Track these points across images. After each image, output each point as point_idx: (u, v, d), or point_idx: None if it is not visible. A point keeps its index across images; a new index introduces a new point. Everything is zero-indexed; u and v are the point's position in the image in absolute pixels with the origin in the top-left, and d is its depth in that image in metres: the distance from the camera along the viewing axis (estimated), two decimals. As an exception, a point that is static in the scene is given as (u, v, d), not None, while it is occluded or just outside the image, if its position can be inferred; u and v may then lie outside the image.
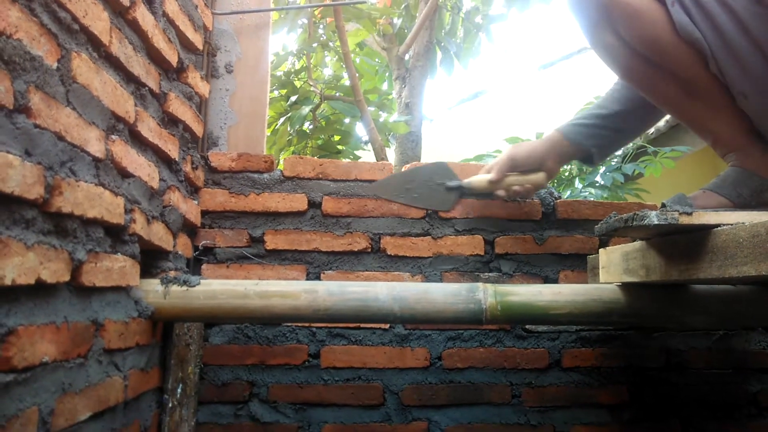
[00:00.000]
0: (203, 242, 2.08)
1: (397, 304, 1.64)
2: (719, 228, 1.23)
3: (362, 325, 2.10)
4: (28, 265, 1.01)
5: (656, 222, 1.25)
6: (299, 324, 2.09)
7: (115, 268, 1.37)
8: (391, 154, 4.97)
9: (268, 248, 2.11)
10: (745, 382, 2.09)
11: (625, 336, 2.10)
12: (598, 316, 1.62)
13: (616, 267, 1.67)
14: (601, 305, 1.62)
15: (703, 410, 2.07)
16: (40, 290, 1.07)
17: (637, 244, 1.57)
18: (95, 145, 1.27)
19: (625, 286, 1.65)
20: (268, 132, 3.41)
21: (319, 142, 4.52)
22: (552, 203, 2.20)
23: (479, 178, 2.03)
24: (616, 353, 2.09)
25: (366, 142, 4.63)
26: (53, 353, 1.10)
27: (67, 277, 1.15)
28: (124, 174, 1.44)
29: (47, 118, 1.08)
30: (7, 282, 0.94)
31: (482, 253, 2.14)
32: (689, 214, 1.25)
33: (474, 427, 2.07)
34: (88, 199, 1.23)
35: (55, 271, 1.10)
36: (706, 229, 1.26)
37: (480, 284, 1.67)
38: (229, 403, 2.05)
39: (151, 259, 1.71)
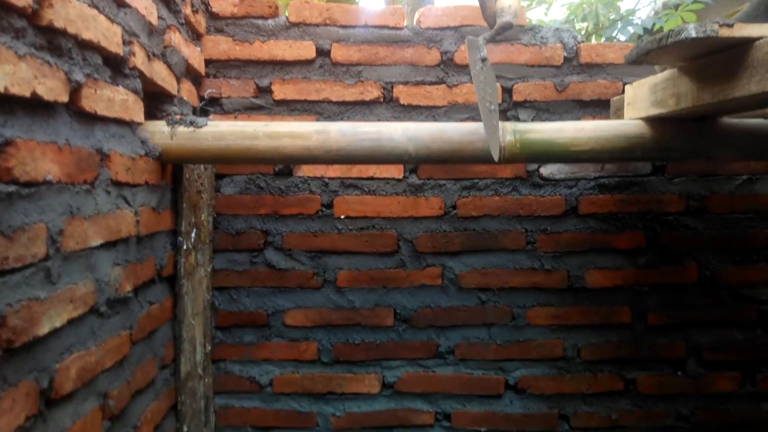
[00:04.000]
0: (209, 91, 2.00)
1: (412, 144, 1.58)
2: (762, 40, 1.13)
3: (375, 176, 2.06)
4: (21, 75, 0.95)
5: (694, 35, 1.15)
6: (311, 175, 2.06)
7: (116, 99, 1.31)
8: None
9: (276, 98, 2.03)
10: (767, 226, 2.05)
11: (645, 182, 2.05)
12: (622, 152, 1.56)
13: (642, 101, 1.59)
14: (624, 141, 1.55)
15: (721, 254, 2.06)
16: (38, 107, 1.02)
17: (667, 73, 1.47)
18: (84, -40, 1.17)
19: (651, 121, 1.57)
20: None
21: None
22: (575, 47, 2.08)
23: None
24: (634, 199, 2.05)
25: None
26: (57, 173, 1.06)
27: (65, 98, 1.09)
28: (119, 2, 1.35)
29: None
30: (0, 89, 0.89)
31: (500, 101, 2.05)
32: (730, 26, 1.15)
33: (488, 273, 2.08)
34: (82, 18, 1.15)
35: (51, 88, 1.04)
36: (747, 43, 1.16)
37: (498, 122, 1.60)
38: (245, 251, 2.06)
39: (155, 102, 1.65)
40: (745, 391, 2.09)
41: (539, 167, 2.05)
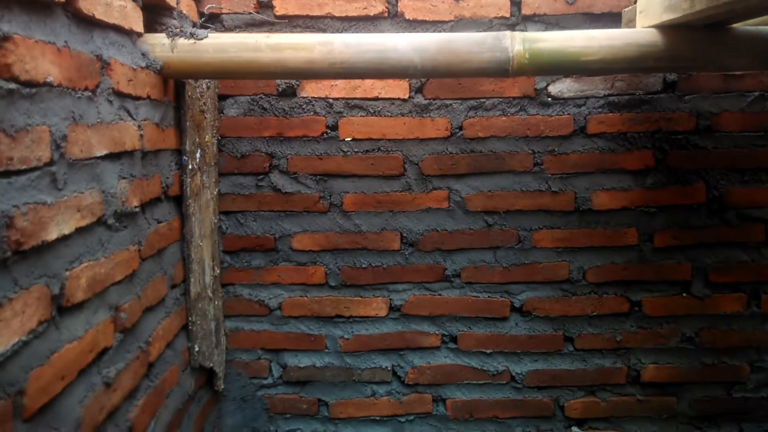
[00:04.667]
0: (209, 6, 1.94)
1: (418, 55, 1.54)
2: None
3: (380, 96, 2.02)
4: (14, -33, 0.91)
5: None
6: (316, 95, 2.02)
7: (114, 4, 1.27)
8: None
9: (277, 14, 1.98)
10: (777, 144, 2.03)
11: (655, 99, 2.01)
12: (633, 61, 1.52)
13: (655, 7, 1.54)
14: (636, 49, 1.51)
15: (730, 173, 2.03)
16: (35, 5, 0.99)
17: (683, -23, 1.42)
18: None
19: (664, 29, 1.52)
20: None
21: None
22: (586, -41, 2.00)
23: None
24: (644, 118, 2.01)
25: None
26: (57, 76, 1.04)
27: (61, -2, 1.06)
28: None
29: None
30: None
31: (508, 15, 1.99)
32: None
33: (494, 195, 2.07)
34: None
35: (46, -14, 1.01)
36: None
37: (507, 32, 1.55)
38: (250, 175, 2.05)
39: (155, 15, 1.60)
40: (750, 312, 2.10)
41: (547, 85, 2.01)
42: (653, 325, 2.10)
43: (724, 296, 2.09)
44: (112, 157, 1.27)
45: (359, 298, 2.12)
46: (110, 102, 1.26)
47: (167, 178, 1.62)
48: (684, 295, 2.09)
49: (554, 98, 2.02)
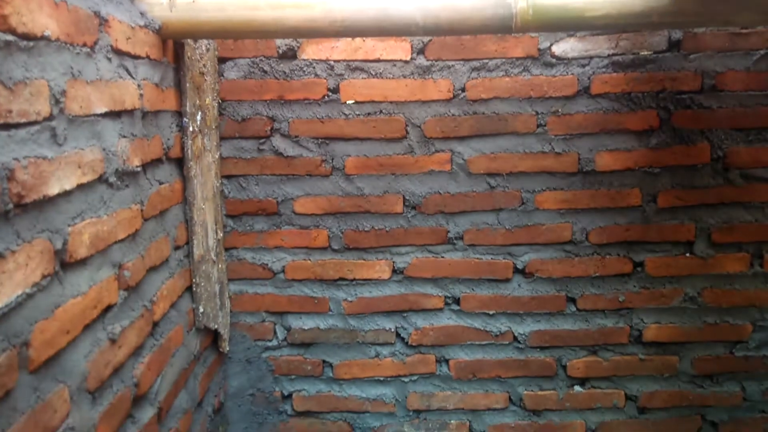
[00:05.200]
0: (208, -32, 1.92)
1: (420, 13, 1.52)
2: None
3: (382, 57, 2.01)
4: None
5: None
6: (316, 57, 2.00)
7: (110, -40, 1.26)
8: None
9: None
10: (783, 102, 2.01)
11: (660, 59, 1.99)
12: (637, 16, 1.49)
13: (661, -39, 1.51)
14: (640, 3, 1.49)
15: (734, 133, 2.02)
16: (28, -44, 0.97)
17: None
18: None
19: (669, -16, 1.50)
20: None
21: None
22: None
23: None
24: (648, 78, 2.00)
25: None
26: (55, 30, 1.03)
27: (56, -50, 1.04)
28: None
29: None
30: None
31: (510, -27, 1.96)
32: None
33: (497, 157, 2.06)
34: None
35: (41, -62, 1.00)
36: None
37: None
38: (252, 138, 2.05)
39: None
40: (753, 272, 2.10)
41: (551, 45, 1.99)
42: (656, 285, 2.11)
43: (727, 256, 2.09)
44: (112, 115, 1.26)
45: (362, 261, 2.13)
46: (109, 59, 1.25)
47: (168, 139, 1.62)
48: (687, 255, 2.09)
49: (558, 58, 2.00)
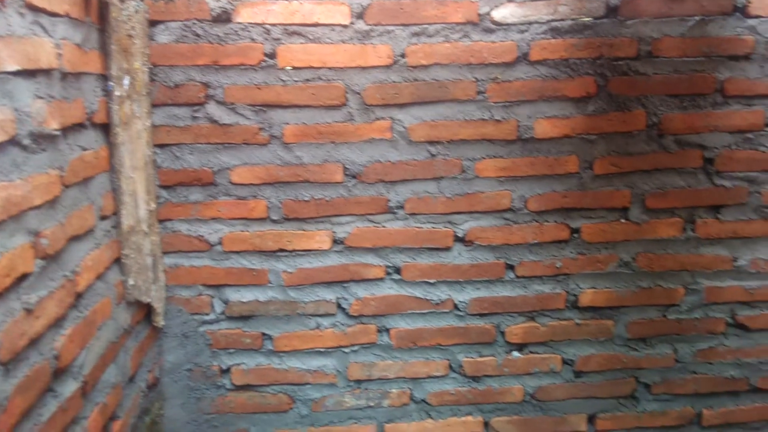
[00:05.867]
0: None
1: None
2: None
3: (320, 21, 1.95)
4: None
5: None
6: (252, 21, 1.94)
7: None
8: None
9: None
10: (715, 70, 2.04)
11: (598, 25, 2.00)
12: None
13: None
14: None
15: (670, 100, 2.05)
16: None
17: None
18: None
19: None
20: None
21: None
22: None
23: None
24: (586, 44, 2.00)
25: None
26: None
27: None
28: None
29: None
30: None
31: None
32: None
33: (437, 125, 2.04)
34: None
35: None
36: None
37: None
38: (185, 105, 1.97)
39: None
40: (686, 237, 2.15)
41: (491, 10, 1.97)
42: (592, 251, 2.15)
43: (661, 221, 2.14)
44: (25, 74, 1.19)
45: (302, 232, 2.09)
46: (21, 15, 1.17)
47: (92, 104, 1.54)
48: (622, 221, 2.13)
49: (497, 24, 1.99)
